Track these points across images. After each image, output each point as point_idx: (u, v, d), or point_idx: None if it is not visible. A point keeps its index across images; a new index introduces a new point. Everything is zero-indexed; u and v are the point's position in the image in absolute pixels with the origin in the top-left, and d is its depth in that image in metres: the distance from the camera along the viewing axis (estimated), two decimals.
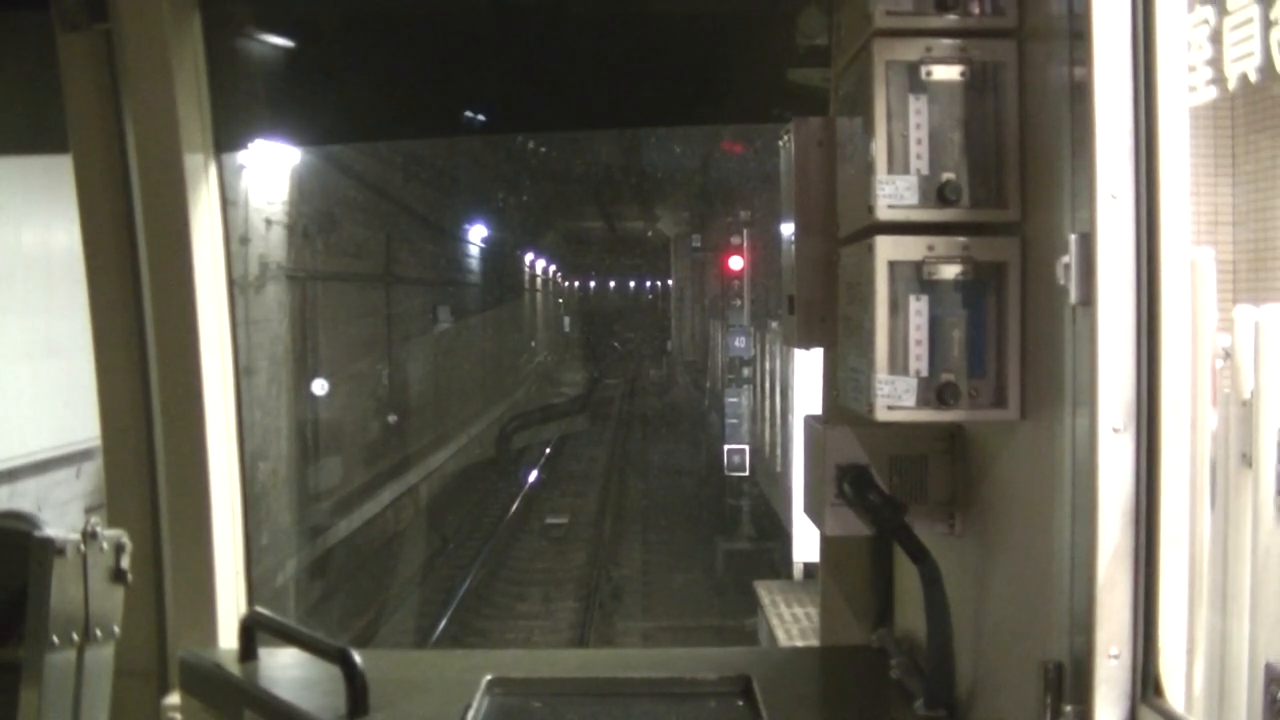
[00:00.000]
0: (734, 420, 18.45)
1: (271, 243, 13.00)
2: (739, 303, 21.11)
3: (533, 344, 46.02)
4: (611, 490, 23.22)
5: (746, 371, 19.19)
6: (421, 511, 19.25)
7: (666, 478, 23.86)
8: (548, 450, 27.21)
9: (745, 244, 20.82)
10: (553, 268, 55.32)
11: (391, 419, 18.82)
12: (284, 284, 13.41)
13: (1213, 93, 3.32)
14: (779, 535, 15.60)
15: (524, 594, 16.55)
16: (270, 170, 12.91)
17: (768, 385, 17.38)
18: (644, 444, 28.62)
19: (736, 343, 19.66)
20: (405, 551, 17.33)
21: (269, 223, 12.83)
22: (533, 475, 24.21)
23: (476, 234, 30.72)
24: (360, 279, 17.85)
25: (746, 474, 17.83)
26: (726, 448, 18.07)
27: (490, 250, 32.95)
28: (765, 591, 12.88)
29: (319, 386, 14.36)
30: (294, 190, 13.77)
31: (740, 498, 18.23)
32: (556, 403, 35.21)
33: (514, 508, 21.14)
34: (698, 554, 18.15)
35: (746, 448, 17.87)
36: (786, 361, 14.65)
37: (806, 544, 12.01)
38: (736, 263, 21.12)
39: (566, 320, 61.87)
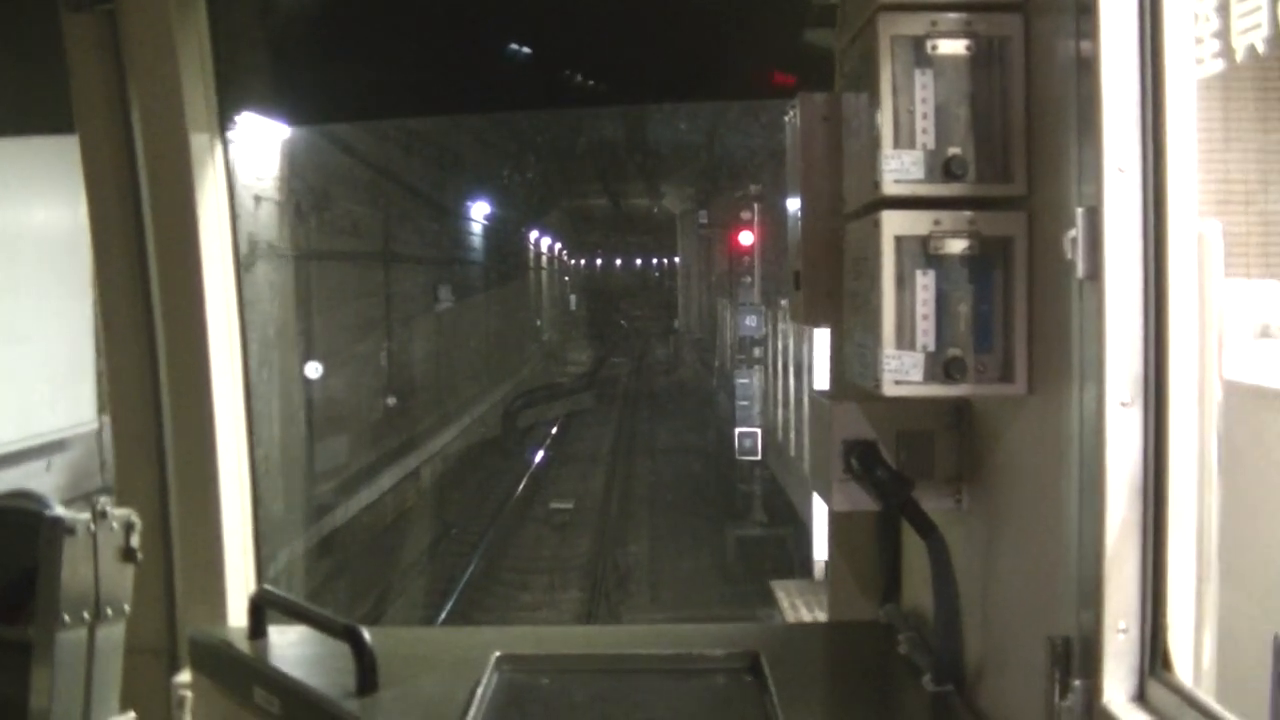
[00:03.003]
0: (745, 402, 18.25)
1: (261, 220, 12.90)
2: (749, 280, 20.95)
3: (538, 323, 46.01)
4: (618, 472, 23.15)
5: (758, 351, 19.01)
6: (422, 496, 19.16)
7: (674, 460, 23.77)
8: (553, 430, 27.19)
9: (756, 219, 20.69)
10: (558, 245, 55.29)
11: (390, 401, 18.73)
12: (274, 263, 13.32)
13: (1220, 65, 3.34)
14: (792, 521, 15.49)
15: (527, 583, 16.52)
16: (260, 146, 12.78)
17: (780, 365, 17.26)
18: (651, 424, 28.58)
19: (747, 321, 19.43)
20: (404, 539, 17.25)
21: (258, 199, 12.74)
22: (538, 456, 24.17)
23: (479, 211, 30.70)
24: (357, 257, 17.77)
25: (758, 458, 17.72)
26: (737, 431, 17.91)
27: (494, 228, 32.93)
28: (784, 593, 12.52)
29: (313, 369, 14.23)
30: (286, 166, 13.67)
31: (751, 482, 18.13)
32: (562, 382, 35.23)
33: (518, 491, 21.09)
34: (707, 540, 18.02)
35: (758, 431, 17.74)
36: (801, 341, 14.50)
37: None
38: (747, 238, 20.97)
39: (573, 299, 61.96)
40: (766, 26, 3.26)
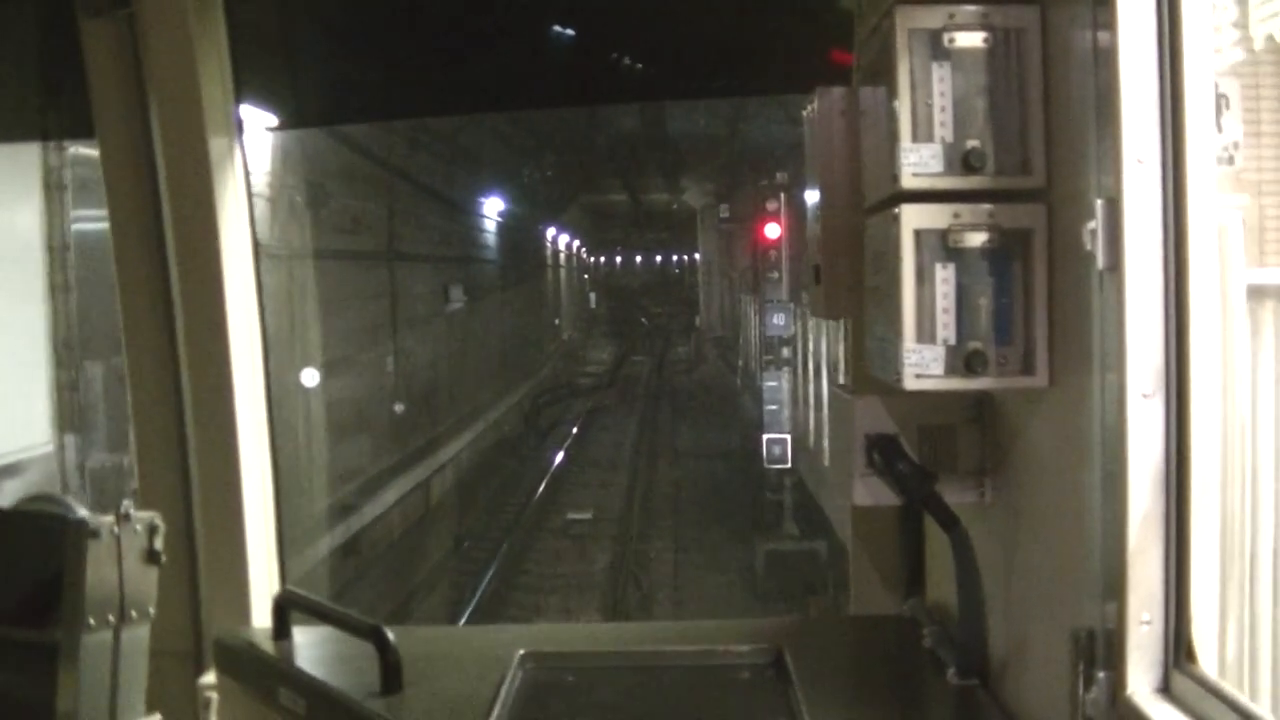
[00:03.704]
0: (773, 406, 17.75)
1: (257, 218, 12.70)
2: (776, 275, 20.54)
3: (557, 321, 46.10)
4: (640, 478, 22.95)
5: (786, 352, 18.68)
6: (432, 508, 18.97)
7: (698, 466, 23.57)
8: (574, 429, 27.13)
9: (783, 210, 20.36)
10: (576, 243, 55.47)
11: (399, 408, 18.51)
12: (268, 263, 13.15)
13: (1239, 54, 3.36)
14: (826, 533, 15.29)
15: (541, 604, 16.32)
16: (253, 140, 12.56)
17: (811, 366, 17.02)
18: (673, 425, 28.40)
19: (775, 320, 18.88)
20: (412, 558, 17.02)
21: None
22: (556, 459, 24.08)
23: (494, 208, 30.75)
24: (361, 257, 17.71)
25: (788, 466, 17.44)
26: (765, 437, 17.55)
27: (509, 226, 32.99)
28: None
29: (310, 376, 13.95)
30: (279, 162, 13.59)
31: (781, 491, 17.88)
32: (582, 382, 35.23)
33: (533, 501, 20.90)
34: (735, 555, 17.74)
35: (788, 437, 17.41)
36: (835, 339, 14.29)
37: None
38: (773, 231, 20.49)
39: (592, 296, 62.26)
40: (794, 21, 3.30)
